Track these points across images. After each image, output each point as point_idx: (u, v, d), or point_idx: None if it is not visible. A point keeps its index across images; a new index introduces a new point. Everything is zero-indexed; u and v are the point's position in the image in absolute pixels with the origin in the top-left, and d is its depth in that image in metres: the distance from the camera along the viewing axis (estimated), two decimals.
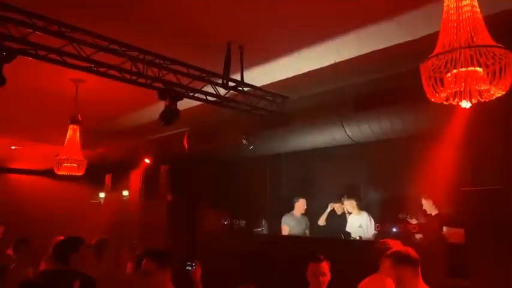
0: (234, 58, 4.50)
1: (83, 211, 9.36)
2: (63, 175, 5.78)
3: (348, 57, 4.75)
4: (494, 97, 2.21)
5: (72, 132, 5.55)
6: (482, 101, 2.28)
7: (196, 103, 5.15)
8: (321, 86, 5.32)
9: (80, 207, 9.55)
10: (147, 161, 7.69)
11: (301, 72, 5.20)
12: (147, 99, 5.67)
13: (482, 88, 2.15)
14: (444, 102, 2.35)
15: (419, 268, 2.56)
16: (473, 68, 2.13)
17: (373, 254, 2.99)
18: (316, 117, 5.33)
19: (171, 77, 4.07)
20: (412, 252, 2.63)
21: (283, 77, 5.33)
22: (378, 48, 4.53)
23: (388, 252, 2.72)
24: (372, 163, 5.92)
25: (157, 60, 3.91)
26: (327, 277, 3.01)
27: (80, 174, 5.79)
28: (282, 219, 6.21)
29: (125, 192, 8.86)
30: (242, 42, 4.42)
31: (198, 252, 6.24)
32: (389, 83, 4.72)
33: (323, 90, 5.35)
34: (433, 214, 4.91)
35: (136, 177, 8.23)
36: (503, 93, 2.17)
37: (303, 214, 6.27)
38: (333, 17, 3.96)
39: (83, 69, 3.77)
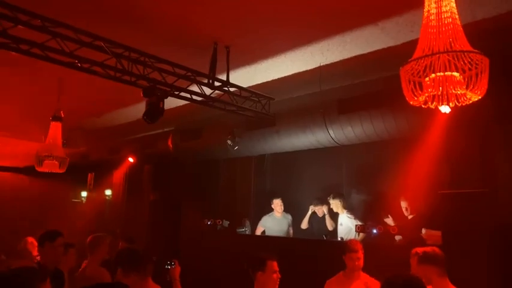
0: (221, 58, 4.52)
1: (64, 210, 9.21)
2: (44, 173, 5.69)
3: (332, 61, 4.83)
4: (470, 101, 2.28)
5: (54, 129, 5.46)
6: (460, 105, 2.34)
7: (181, 102, 5.14)
8: (305, 88, 5.38)
9: (61, 206, 9.39)
10: (130, 160, 7.62)
11: (286, 74, 5.25)
12: (131, 98, 5.64)
13: (459, 92, 2.22)
14: (423, 106, 2.40)
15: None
16: (450, 73, 2.19)
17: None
18: (300, 119, 5.38)
19: (156, 76, 4.05)
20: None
21: (269, 79, 5.37)
22: (362, 52, 4.62)
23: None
24: (355, 165, 6.00)
25: (142, 58, 3.89)
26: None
27: (61, 171, 5.71)
28: (260, 220, 6.26)
29: (108, 191, 8.75)
30: (228, 42, 4.44)
31: (180, 252, 6.21)
32: (372, 87, 4.81)
33: (308, 92, 5.41)
34: (408, 217, 4.99)
35: (119, 176, 8.15)
36: (480, 97, 2.24)
37: (285, 214, 6.30)
38: (318, 20, 4.01)
39: (66, 64, 3.72)
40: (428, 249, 2.75)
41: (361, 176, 5.97)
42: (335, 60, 4.81)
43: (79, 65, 3.72)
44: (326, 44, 4.50)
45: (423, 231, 3.98)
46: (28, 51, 3.48)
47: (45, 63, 3.64)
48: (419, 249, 2.88)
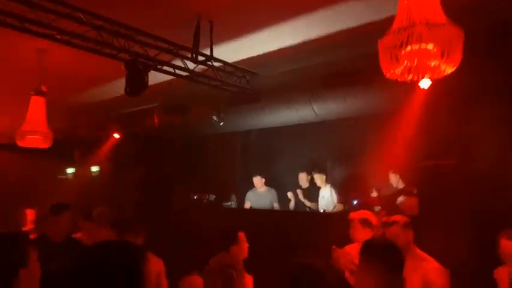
0: (204, 33, 4.48)
1: (50, 187, 9.16)
2: (28, 149, 5.63)
3: (317, 36, 4.82)
4: (444, 73, 2.34)
5: (36, 104, 5.38)
6: (435, 77, 2.40)
7: (166, 78, 5.11)
8: (290, 63, 5.38)
9: (46, 182, 9.34)
10: (116, 136, 7.58)
11: (271, 50, 5.23)
12: (116, 73, 5.56)
13: (433, 64, 2.27)
14: (398, 79, 2.45)
15: None
16: (425, 45, 2.23)
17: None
18: (285, 95, 5.41)
19: (138, 49, 4.01)
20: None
21: (254, 54, 5.34)
22: (346, 27, 4.62)
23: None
24: (338, 140, 6.09)
25: (123, 31, 3.84)
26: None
27: (45, 147, 5.66)
28: (246, 195, 6.38)
29: (94, 168, 8.73)
30: (212, 16, 4.38)
31: (169, 226, 6.30)
32: (356, 63, 4.83)
33: (292, 68, 5.41)
34: (399, 188, 5.11)
35: (106, 152, 8.12)
36: (453, 69, 2.30)
37: (269, 188, 6.42)
38: None
39: (45, 36, 3.66)
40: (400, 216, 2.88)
41: (344, 151, 6.07)
42: (319, 35, 4.80)
43: (58, 37, 3.65)
44: (310, 18, 4.48)
45: (398, 200, 4.11)
46: (5, 22, 3.40)
47: (24, 35, 3.57)
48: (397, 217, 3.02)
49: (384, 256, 1.67)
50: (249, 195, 6.42)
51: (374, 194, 5.19)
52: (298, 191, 5.98)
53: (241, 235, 3.02)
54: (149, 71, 3.92)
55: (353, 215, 3.31)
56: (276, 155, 6.84)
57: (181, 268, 3.00)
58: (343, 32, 4.66)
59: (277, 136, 6.58)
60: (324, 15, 4.38)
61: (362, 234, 3.12)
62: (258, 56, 5.38)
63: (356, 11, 4.29)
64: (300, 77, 5.23)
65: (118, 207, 7.18)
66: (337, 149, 6.21)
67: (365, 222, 3.19)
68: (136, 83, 3.85)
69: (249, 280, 2.96)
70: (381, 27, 4.10)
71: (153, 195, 6.78)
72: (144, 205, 6.74)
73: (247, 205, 6.40)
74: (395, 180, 5.19)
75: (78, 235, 3.96)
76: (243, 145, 6.90)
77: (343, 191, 5.67)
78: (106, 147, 8.02)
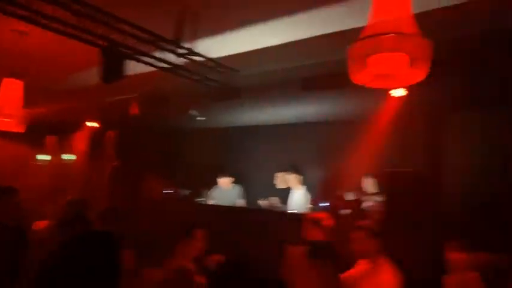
0: (188, 26, 4.46)
1: (23, 172, 8.96)
2: (1, 132, 5.50)
3: (300, 38, 4.85)
4: (412, 83, 2.40)
5: (11, 86, 5.26)
6: (402, 86, 2.46)
7: (148, 69, 5.06)
8: (272, 63, 5.41)
9: (20, 168, 9.12)
10: (94, 124, 7.47)
11: (254, 48, 5.25)
12: (96, 60, 5.48)
13: (402, 73, 2.32)
14: (369, 86, 2.51)
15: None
16: (394, 54, 2.28)
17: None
18: (265, 94, 5.44)
19: (117, 37, 3.97)
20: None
21: (237, 51, 5.35)
22: (329, 32, 4.67)
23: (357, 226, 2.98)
24: (315, 142, 6.16)
25: (103, 18, 3.78)
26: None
27: (19, 131, 5.54)
28: (209, 193, 6.40)
29: (69, 156, 8.58)
30: (196, 9, 4.37)
31: (140, 219, 6.25)
32: (336, 67, 4.88)
33: (274, 67, 5.43)
34: (370, 192, 5.18)
35: (81, 140, 7.99)
36: (421, 79, 2.36)
37: (234, 185, 6.43)
38: None
39: (23, 18, 3.58)
40: (366, 224, 2.93)
41: (321, 153, 6.14)
42: (302, 37, 4.84)
43: (36, 20, 3.58)
44: (294, 20, 4.52)
45: (366, 204, 4.19)
46: None
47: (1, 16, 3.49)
48: (361, 223, 3.08)
49: (326, 258, 1.73)
50: (214, 192, 6.45)
51: (349, 197, 5.25)
52: (273, 198, 5.97)
53: (199, 232, 2.96)
54: (126, 59, 3.88)
55: (307, 215, 3.37)
56: (253, 152, 6.86)
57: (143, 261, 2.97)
58: (326, 36, 4.71)
59: (256, 134, 6.60)
60: (307, 17, 4.43)
61: (313, 234, 3.17)
62: (241, 54, 5.39)
63: (338, 17, 4.35)
64: (281, 78, 5.26)
65: (89, 196, 7.11)
66: (313, 151, 6.27)
67: (316, 223, 3.23)
68: (112, 70, 3.80)
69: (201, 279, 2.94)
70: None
71: (125, 186, 6.71)
72: (115, 196, 6.66)
73: (210, 203, 6.41)
74: (368, 185, 5.26)
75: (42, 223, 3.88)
76: (220, 142, 6.89)
77: (316, 193, 5.73)
78: (82, 135, 7.90)
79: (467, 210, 4.10)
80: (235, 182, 6.46)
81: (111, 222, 2.87)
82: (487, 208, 4.14)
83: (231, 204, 6.26)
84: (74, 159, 8.36)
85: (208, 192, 6.44)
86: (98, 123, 7.46)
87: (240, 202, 6.39)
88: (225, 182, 6.38)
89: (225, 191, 6.43)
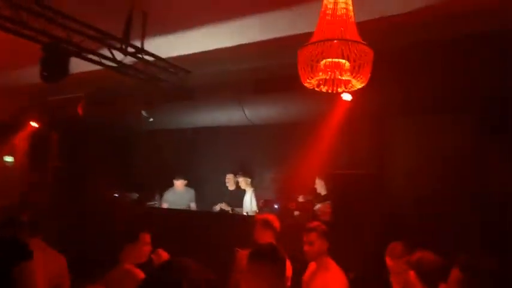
0: (137, 25, 4.33)
1: None
2: None
3: (251, 40, 4.89)
4: (355, 88, 2.50)
5: None
6: (347, 90, 2.55)
7: (95, 67, 4.85)
8: (224, 65, 5.40)
9: None
10: (34, 124, 7.03)
11: (206, 49, 5.21)
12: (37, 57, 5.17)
13: (345, 78, 2.41)
14: (316, 89, 2.58)
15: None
16: (339, 60, 2.37)
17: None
18: (217, 96, 5.42)
19: (60, 33, 3.77)
20: None
21: (188, 52, 5.28)
22: (280, 35, 4.75)
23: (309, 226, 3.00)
24: (267, 144, 6.22)
25: (45, 12, 3.58)
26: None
27: None
28: (163, 196, 6.29)
29: (8, 157, 8.02)
30: (146, 7, 4.26)
31: (85, 223, 5.97)
32: (287, 70, 4.97)
33: (226, 69, 5.43)
34: (322, 194, 5.25)
35: (22, 141, 7.49)
36: (363, 85, 2.47)
37: (187, 188, 6.38)
38: None
39: None
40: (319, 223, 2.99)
41: (273, 155, 6.20)
42: (254, 40, 4.89)
43: None
44: (246, 22, 4.55)
45: (316, 207, 4.29)
46: None
47: None
48: (315, 224, 3.13)
49: (269, 260, 1.75)
50: (167, 194, 6.36)
51: (301, 199, 5.33)
52: (223, 204, 5.95)
53: (144, 236, 2.85)
54: (70, 56, 3.69)
55: (257, 216, 3.39)
56: (206, 155, 6.80)
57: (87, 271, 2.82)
58: (277, 40, 4.80)
59: (208, 136, 6.55)
60: (259, 21, 4.47)
61: (263, 236, 3.20)
62: (193, 54, 5.34)
63: (289, 21, 4.44)
64: (233, 80, 5.27)
65: (30, 199, 6.70)
66: (266, 153, 6.33)
67: (266, 225, 3.26)
68: (55, 68, 3.60)
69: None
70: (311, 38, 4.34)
71: (69, 189, 6.39)
72: (57, 199, 6.33)
73: (164, 206, 6.32)
74: (320, 186, 5.33)
75: None
76: (171, 144, 6.77)
77: (268, 195, 5.78)
78: (23, 135, 7.42)
79: (412, 212, 4.31)
80: (188, 185, 6.37)
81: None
82: (430, 209, 4.37)
83: (184, 207, 6.17)
84: (14, 162, 7.82)
85: (163, 194, 6.30)
86: (41, 123, 7.04)
87: (193, 205, 6.31)
88: (179, 184, 6.30)
89: (179, 194, 6.33)
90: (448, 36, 4.10)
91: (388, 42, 3.97)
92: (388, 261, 2.75)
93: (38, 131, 7.21)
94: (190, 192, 6.35)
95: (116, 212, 5.58)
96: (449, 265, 1.99)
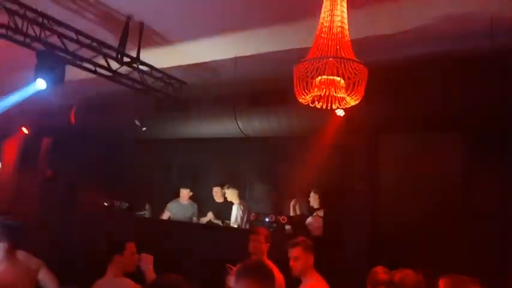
0: (133, 35, 4.35)
1: None
2: None
3: (247, 54, 4.93)
4: (349, 105, 2.53)
5: None
6: (342, 107, 2.58)
7: (89, 75, 4.84)
8: (219, 77, 5.43)
9: None
10: (25, 131, 6.95)
11: (202, 61, 5.24)
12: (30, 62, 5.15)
13: (339, 96, 2.44)
14: (310, 105, 2.60)
15: None
16: (334, 78, 2.40)
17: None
18: (211, 107, 5.42)
19: (55, 41, 3.76)
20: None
21: (184, 63, 5.30)
22: (275, 50, 4.79)
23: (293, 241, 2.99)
24: (261, 157, 6.22)
25: (40, 19, 3.57)
26: None
27: None
28: (167, 205, 6.22)
29: None
30: (143, 18, 4.29)
31: (73, 231, 5.88)
32: (281, 84, 5.01)
33: (221, 81, 5.45)
34: (314, 207, 5.17)
35: (11, 147, 7.40)
36: (357, 102, 2.50)
37: (192, 202, 6.32)
38: (237, 12, 4.08)
39: None
40: (304, 238, 2.97)
41: (266, 167, 6.20)
42: (250, 53, 4.93)
43: None
44: (242, 36, 4.59)
45: (308, 220, 4.28)
46: None
47: None
48: (300, 239, 3.11)
49: (257, 277, 1.74)
50: (172, 206, 6.26)
51: (293, 212, 5.31)
52: (209, 214, 5.91)
53: (131, 246, 2.83)
54: (65, 64, 3.68)
55: (248, 230, 3.36)
56: (198, 167, 6.77)
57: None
58: (272, 54, 4.84)
59: (201, 148, 6.53)
60: (255, 35, 4.52)
61: (255, 249, 3.29)
62: (188, 65, 5.36)
63: (284, 36, 4.49)
64: (228, 92, 5.28)
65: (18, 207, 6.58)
66: (259, 166, 6.33)
67: (255, 239, 3.34)
68: (49, 75, 3.58)
69: None
70: (307, 54, 4.39)
71: (58, 198, 6.30)
72: (47, 207, 6.23)
73: (165, 216, 6.21)
74: (313, 200, 5.23)
75: None
76: (163, 154, 6.73)
77: (260, 208, 5.75)
78: (12, 142, 7.32)
79: (400, 229, 4.31)
80: (191, 197, 6.29)
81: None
82: (418, 227, 4.38)
83: (187, 220, 6.11)
84: (3, 169, 7.70)
85: (167, 205, 6.25)
86: (31, 129, 6.96)
87: (195, 220, 6.24)
88: (185, 194, 6.21)
89: (183, 207, 6.24)
90: (440, 55, 4.18)
91: (380, 60, 4.03)
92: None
93: (28, 138, 7.13)
94: (194, 207, 6.27)
95: (105, 221, 5.50)
96: (430, 282, 2.00)
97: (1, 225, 2.49)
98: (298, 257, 2.90)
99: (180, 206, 6.25)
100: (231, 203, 5.83)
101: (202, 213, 6.21)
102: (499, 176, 4.13)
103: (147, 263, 2.86)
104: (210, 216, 5.86)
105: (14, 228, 2.59)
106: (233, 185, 5.78)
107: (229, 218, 5.78)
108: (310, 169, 5.15)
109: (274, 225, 4.46)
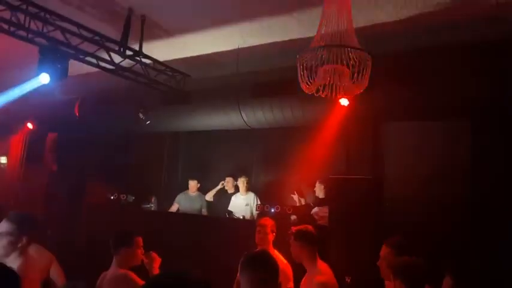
0: (135, 28, 4.33)
1: None
2: None
3: (250, 45, 4.90)
4: (354, 94, 2.51)
5: None
6: (346, 96, 2.56)
7: (93, 70, 4.84)
8: (222, 69, 5.40)
9: None
10: (30, 125, 6.99)
11: (205, 53, 5.22)
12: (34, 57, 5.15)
13: (344, 84, 2.42)
14: (315, 94, 2.58)
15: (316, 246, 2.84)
16: (339, 66, 2.38)
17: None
18: (215, 99, 5.41)
19: (58, 35, 3.75)
20: (309, 229, 2.91)
21: (187, 55, 5.28)
22: (278, 40, 4.76)
23: (290, 230, 2.98)
24: (266, 148, 6.22)
25: (42, 14, 3.56)
26: None
27: None
28: (176, 197, 6.25)
29: (2, 159, 7.96)
30: (145, 11, 4.27)
31: (81, 225, 5.93)
32: (285, 75, 4.98)
33: (225, 73, 5.43)
34: (320, 197, 5.18)
35: (17, 142, 7.44)
36: (361, 90, 2.48)
37: (200, 194, 6.35)
38: (239, 3, 4.04)
39: None
40: (303, 227, 2.96)
41: (271, 159, 6.19)
42: (253, 44, 4.90)
43: None
44: (245, 27, 4.55)
45: (313, 210, 4.28)
46: None
47: None
48: (294, 228, 3.10)
49: (261, 267, 1.75)
50: (180, 197, 6.29)
51: (298, 203, 5.31)
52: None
53: (138, 240, 2.85)
54: (68, 59, 3.68)
55: (255, 221, 3.36)
56: (204, 159, 6.78)
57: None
58: (275, 44, 4.81)
59: (206, 140, 6.54)
60: (258, 25, 4.48)
61: (260, 240, 3.32)
62: (191, 58, 5.34)
63: (288, 26, 4.45)
64: (231, 83, 5.26)
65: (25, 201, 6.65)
66: (264, 157, 6.32)
67: (262, 229, 3.36)
68: (52, 70, 3.58)
69: None
70: (310, 43, 4.35)
71: (65, 191, 6.34)
72: (54, 201, 6.28)
73: (174, 208, 6.26)
74: (319, 190, 5.25)
75: None
76: (170, 147, 6.74)
77: (266, 198, 5.75)
78: (18, 137, 7.37)
79: (408, 219, 4.29)
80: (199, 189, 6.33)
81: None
82: (426, 217, 4.36)
83: (195, 213, 6.13)
84: (9, 163, 7.77)
85: (176, 197, 6.29)
86: (37, 124, 6.99)
87: (205, 212, 6.27)
88: (193, 186, 6.24)
89: (191, 198, 6.27)
90: (446, 43, 4.12)
91: (385, 48, 3.99)
92: (383, 248, 2.74)
93: (34, 132, 7.17)
94: (202, 198, 6.30)
95: (111, 214, 5.54)
96: (434, 269, 2.00)
97: (23, 220, 2.52)
98: (291, 244, 2.92)
99: (188, 197, 6.28)
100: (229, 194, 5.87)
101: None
102: (509, 165, 4.09)
103: (153, 262, 2.84)
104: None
105: (34, 223, 2.61)
106: (242, 175, 5.81)
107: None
108: (315, 159, 5.15)
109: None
